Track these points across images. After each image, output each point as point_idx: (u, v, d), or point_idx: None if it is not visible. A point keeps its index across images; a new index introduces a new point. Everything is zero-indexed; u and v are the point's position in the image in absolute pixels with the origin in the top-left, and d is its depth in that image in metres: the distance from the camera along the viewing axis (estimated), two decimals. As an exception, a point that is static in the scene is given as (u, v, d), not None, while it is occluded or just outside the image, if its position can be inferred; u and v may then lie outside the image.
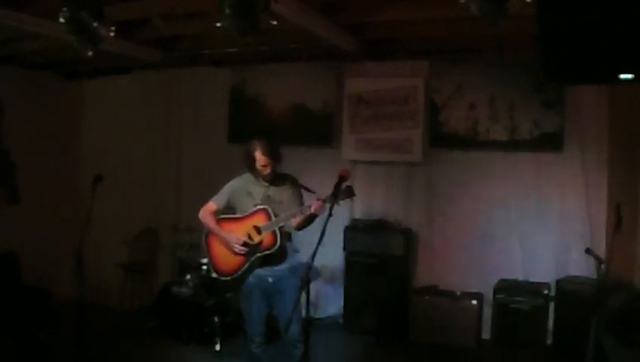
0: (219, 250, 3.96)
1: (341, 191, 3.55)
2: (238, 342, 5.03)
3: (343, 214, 5.67)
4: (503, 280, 5.41)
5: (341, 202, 3.59)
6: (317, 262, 4.13)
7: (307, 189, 4.01)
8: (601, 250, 4.75)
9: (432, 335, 5.44)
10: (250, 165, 3.88)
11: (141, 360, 5.19)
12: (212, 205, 3.99)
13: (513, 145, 5.52)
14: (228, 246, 3.88)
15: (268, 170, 3.85)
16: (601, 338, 4.06)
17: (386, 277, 5.74)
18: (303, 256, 4.12)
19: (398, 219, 5.99)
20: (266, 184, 3.93)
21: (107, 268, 6.61)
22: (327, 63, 6.15)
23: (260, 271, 3.89)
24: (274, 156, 3.84)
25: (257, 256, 3.84)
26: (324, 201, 3.60)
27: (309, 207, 3.70)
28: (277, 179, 3.94)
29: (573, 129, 5.32)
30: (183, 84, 6.80)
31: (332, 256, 5.94)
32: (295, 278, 3.88)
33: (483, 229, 5.67)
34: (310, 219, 3.81)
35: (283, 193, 3.93)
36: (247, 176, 3.97)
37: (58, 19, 3.69)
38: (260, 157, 3.81)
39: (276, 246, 3.79)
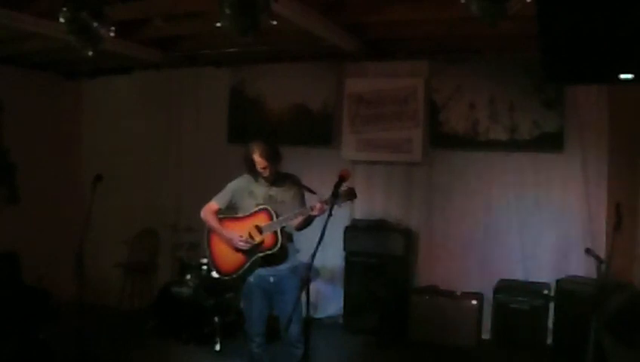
0: (220, 249, 3.96)
1: (343, 194, 3.57)
2: (238, 342, 5.03)
3: (343, 214, 5.66)
4: (503, 280, 5.41)
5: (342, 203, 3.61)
6: (317, 262, 4.16)
7: (309, 190, 4.01)
8: (601, 250, 4.75)
9: (432, 335, 5.44)
10: (249, 167, 3.89)
11: (141, 360, 5.19)
12: (214, 204, 3.99)
13: (513, 145, 5.52)
14: (230, 244, 3.88)
15: (268, 172, 3.85)
16: (601, 338, 4.05)
17: (386, 277, 5.73)
18: (303, 256, 4.12)
19: (398, 219, 5.99)
20: (268, 184, 3.93)
21: (107, 268, 6.60)
22: (327, 63, 6.15)
23: (261, 271, 3.90)
24: (273, 158, 3.83)
25: (258, 255, 3.85)
26: (327, 203, 3.60)
27: (312, 208, 3.70)
28: (279, 179, 3.95)
29: (573, 129, 5.32)
30: (183, 84, 6.79)
31: (332, 256, 5.95)
32: (296, 278, 3.90)
33: (483, 229, 5.68)
34: (310, 220, 3.82)
35: (285, 193, 3.93)
36: (249, 176, 3.97)
37: (58, 19, 3.69)
38: (258, 160, 3.81)
39: (277, 247, 3.80)
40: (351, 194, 3.66)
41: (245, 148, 3.90)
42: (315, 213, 3.69)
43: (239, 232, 3.86)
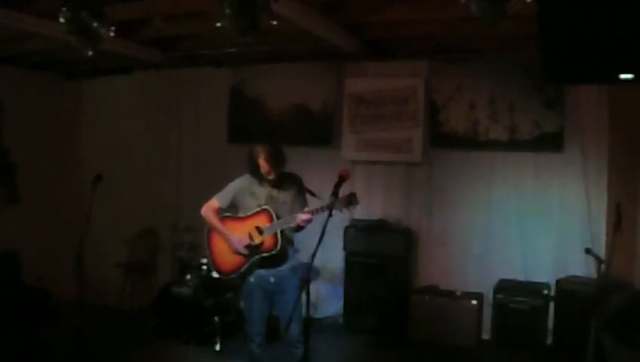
0: (220, 248, 3.97)
1: (344, 200, 3.59)
2: (238, 342, 5.03)
3: (343, 214, 5.64)
4: (503, 280, 5.41)
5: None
6: (317, 262, 4.15)
7: (312, 193, 4.01)
8: (601, 250, 4.75)
9: (431, 335, 5.44)
10: (253, 170, 3.87)
11: (141, 360, 5.19)
12: (215, 202, 3.97)
13: (513, 145, 5.52)
14: (230, 245, 3.89)
15: (272, 176, 3.84)
16: (601, 338, 4.05)
17: (386, 277, 5.73)
18: (303, 256, 4.12)
19: (398, 219, 5.99)
20: (270, 185, 3.92)
21: (107, 268, 6.60)
22: (327, 63, 6.15)
23: (261, 272, 3.90)
24: (278, 162, 3.81)
25: (258, 256, 3.85)
26: (317, 211, 3.67)
27: (297, 217, 3.74)
28: (281, 179, 3.93)
29: (573, 129, 5.32)
30: (183, 84, 6.79)
31: (332, 256, 5.94)
32: (296, 278, 3.90)
33: (483, 229, 5.67)
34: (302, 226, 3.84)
35: (286, 194, 3.92)
36: (251, 176, 3.96)
37: (58, 19, 3.69)
38: (263, 164, 3.79)
39: (277, 249, 3.80)
40: (352, 200, 3.66)
41: (250, 150, 3.86)
42: (302, 224, 3.74)
43: (239, 233, 3.87)
